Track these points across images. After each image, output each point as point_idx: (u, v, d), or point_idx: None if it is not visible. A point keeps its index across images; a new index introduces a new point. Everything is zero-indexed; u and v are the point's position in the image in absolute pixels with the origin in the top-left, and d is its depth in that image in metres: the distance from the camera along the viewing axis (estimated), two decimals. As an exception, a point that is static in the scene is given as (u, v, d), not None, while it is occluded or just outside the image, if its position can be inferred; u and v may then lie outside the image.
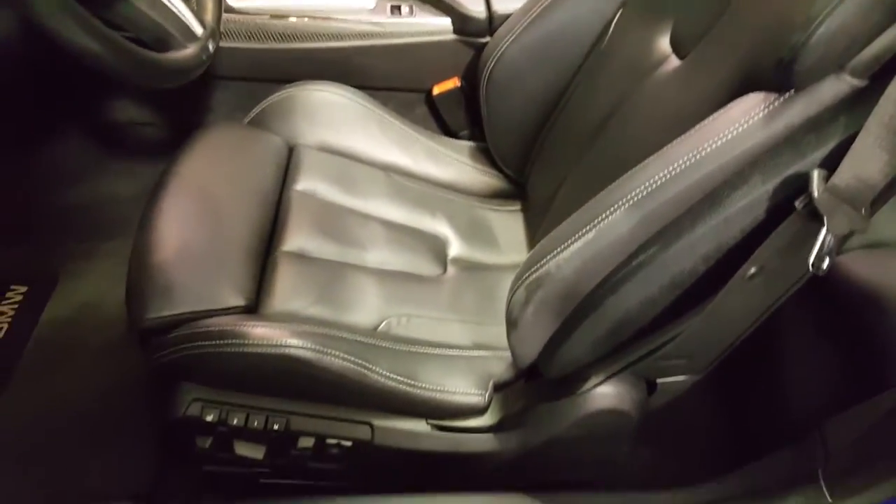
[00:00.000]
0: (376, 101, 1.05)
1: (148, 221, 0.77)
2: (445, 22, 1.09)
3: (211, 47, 0.81)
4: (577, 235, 0.58)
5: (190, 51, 0.77)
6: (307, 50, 1.07)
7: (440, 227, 0.95)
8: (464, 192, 1.04)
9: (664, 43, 0.75)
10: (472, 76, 1.09)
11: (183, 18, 0.78)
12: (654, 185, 0.54)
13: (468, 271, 0.90)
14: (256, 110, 1.01)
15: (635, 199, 0.55)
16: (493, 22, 1.05)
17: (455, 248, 0.93)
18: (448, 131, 1.17)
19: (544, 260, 0.59)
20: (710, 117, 0.54)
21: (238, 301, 0.74)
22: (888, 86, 0.47)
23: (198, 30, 0.80)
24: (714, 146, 0.52)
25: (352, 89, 1.03)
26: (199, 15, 0.83)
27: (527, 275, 0.61)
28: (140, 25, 0.75)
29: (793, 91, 0.51)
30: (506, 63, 0.93)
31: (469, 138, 1.15)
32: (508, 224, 1.00)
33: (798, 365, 0.89)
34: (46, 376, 1.00)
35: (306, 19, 1.07)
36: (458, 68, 1.12)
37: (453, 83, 1.11)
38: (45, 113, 1.19)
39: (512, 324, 0.63)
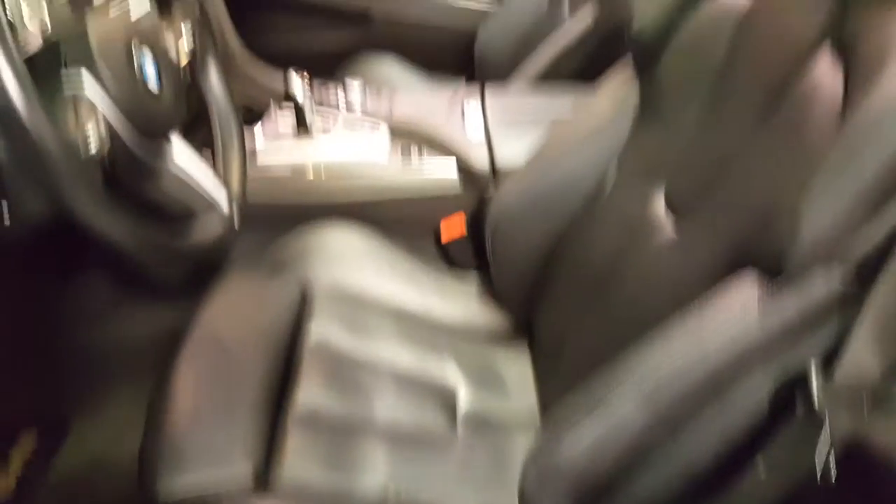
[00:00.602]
0: (386, 239, 1.09)
1: (163, 385, 0.79)
2: (452, 171, 1.16)
3: (236, 223, 0.84)
4: (585, 417, 0.58)
5: (214, 230, 0.80)
6: (323, 206, 1.14)
7: (449, 373, 0.95)
8: (472, 330, 1.05)
9: (658, 201, 0.78)
10: (478, 220, 1.14)
11: (210, 199, 0.82)
12: (656, 375, 0.56)
13: (479, 433, 0.90)
14: (272, 253, 1.05)
15: (639, 386, 0.56)
16: (496, 173, 1.11)
17: (464, 399, 0.93)
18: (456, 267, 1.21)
19: (555, 440, 0.60)
20: (708, 298, 0.56)
21: (248, 468, 0.74)
22: (878, 280, 0.49)
23: (224, 205, 0.84)
24: (713, 341, 0.54)
25: (362, 229, 1.08)
26: (225, 183, 0.87)
27: (538, 456, 0.61)
28: (167, 204, 0.79)
29: (786, 275, 0.52)
30: (510, 218, 0.97)
31: (476, 272, 1.18)
32: (516, 364, 1.01)
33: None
34: None
35: (323, 177, 1.15)
36: (465, 208, 1.17)
37: (460, 230, 1.16)
38: (61, 255, 1.22)
39: None
